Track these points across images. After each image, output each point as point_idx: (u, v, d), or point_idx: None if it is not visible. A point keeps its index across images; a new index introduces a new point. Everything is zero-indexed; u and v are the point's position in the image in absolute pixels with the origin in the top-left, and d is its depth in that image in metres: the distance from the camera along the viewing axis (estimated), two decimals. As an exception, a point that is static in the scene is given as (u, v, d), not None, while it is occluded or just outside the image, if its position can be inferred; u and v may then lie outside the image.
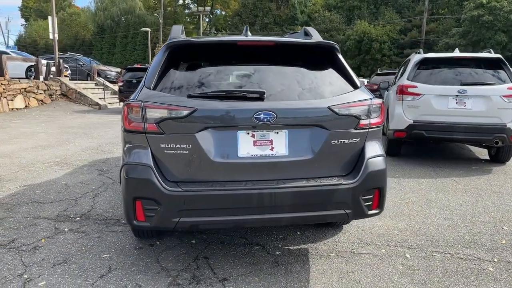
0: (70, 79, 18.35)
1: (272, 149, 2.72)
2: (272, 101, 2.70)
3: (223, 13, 59.19)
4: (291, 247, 3.40)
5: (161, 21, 42.59)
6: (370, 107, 2.87)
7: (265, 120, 2.63)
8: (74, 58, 22.70)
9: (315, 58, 3.09)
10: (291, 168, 2.75)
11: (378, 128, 2.97)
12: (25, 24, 69.98)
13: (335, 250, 3.36)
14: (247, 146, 2.69)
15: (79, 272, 2.94)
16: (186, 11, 44.98)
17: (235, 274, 2.94)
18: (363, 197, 2.81)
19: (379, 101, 2.95)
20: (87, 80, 20.72)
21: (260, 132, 2.71)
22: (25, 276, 2.87)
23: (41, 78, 16.44)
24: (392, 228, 3.86)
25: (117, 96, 16.95)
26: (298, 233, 3.70)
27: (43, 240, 3.47)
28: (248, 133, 2.70)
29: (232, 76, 2.93)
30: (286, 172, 2.75)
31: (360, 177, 2.79)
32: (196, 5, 46.20)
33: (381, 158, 2.92)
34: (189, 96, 2.67)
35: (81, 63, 22.19)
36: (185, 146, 2.62)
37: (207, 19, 61.81)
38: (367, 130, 2.87)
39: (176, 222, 2.60)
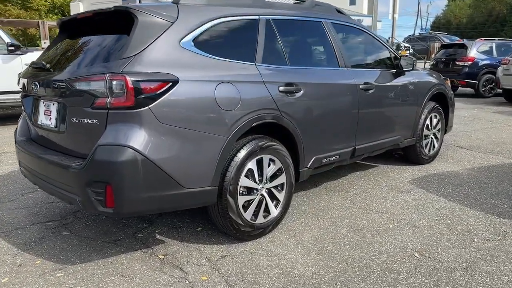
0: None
1: (50, 119, 2.90)
2: (46, 74, 2.88)
3: None
4: (159, 237, 3.22)
5: None
6: (106, 83, 2.40)
7: (35, 90, 2.91)
8: (434, 37, 22.20)
9: (117, 25, 2.74)
10: (56, 140, 2.87)
11: (129, 112, 2.40)
12: (446, 6, 71.05)
13: (170, 255, 2.93)
14: (42, 114, 3.01)
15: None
16: None
17: (89, 236, 3.32)
18: (92, 189, 2.47)
19: (120, 76, 2.37)
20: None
21: (47, 103, 2.94)
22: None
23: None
24: (288, 258, 2.70)
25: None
26: (199, 228, 3.34)
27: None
28: (44, 103, 2.99)
29: (62, 48, 3.12)
30: (54, 143, 2.90)
31: (84, 164, 2.48)
32: None
33: (120, 148, 2.38)
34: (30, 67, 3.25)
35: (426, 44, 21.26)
36: (23, 109, 3.31)
37: None
38: (107, 111, 2.44)
39: (20, 169, 3.35)
